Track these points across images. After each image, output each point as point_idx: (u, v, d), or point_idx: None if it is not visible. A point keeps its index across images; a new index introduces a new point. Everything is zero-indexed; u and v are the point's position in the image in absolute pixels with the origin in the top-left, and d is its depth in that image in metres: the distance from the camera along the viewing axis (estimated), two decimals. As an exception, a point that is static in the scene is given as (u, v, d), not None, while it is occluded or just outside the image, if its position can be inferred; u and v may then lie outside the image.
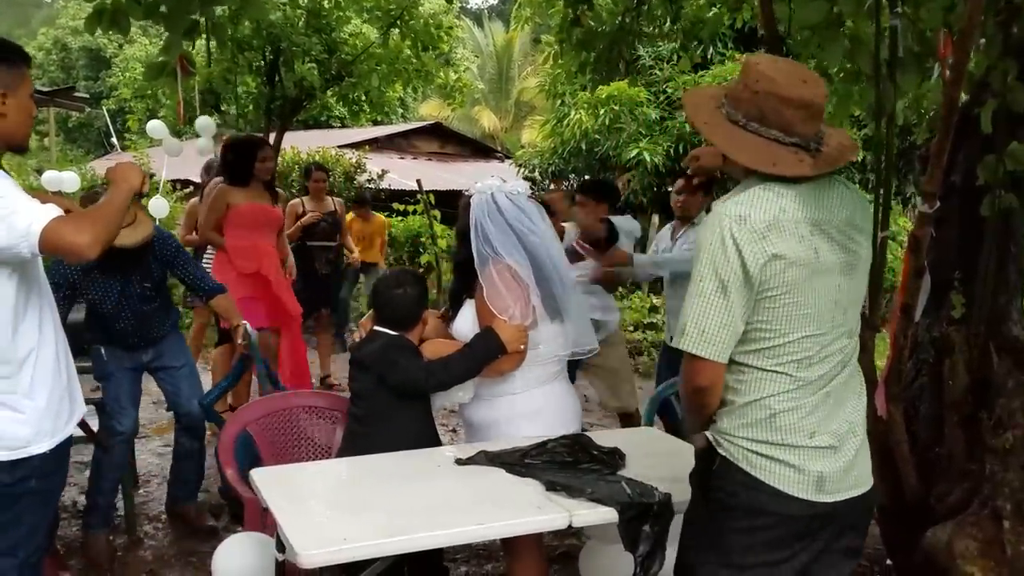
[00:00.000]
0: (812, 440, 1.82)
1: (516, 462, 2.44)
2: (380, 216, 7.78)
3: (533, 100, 22.75)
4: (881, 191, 2.94)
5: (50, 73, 27.67)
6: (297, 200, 6.75)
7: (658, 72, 11.03)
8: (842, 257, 1.84)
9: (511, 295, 2.62)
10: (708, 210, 3.73)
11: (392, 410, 2.68)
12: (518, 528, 2.19)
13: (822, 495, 1.82)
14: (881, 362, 3.34)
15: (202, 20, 3.76)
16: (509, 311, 2.60)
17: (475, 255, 2.67)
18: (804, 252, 1.78)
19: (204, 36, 4.11)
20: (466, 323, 2.74)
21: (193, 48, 4.57)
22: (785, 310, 1.79)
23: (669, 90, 10.65)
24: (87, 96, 13.38)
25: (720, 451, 1.87)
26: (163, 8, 3.55)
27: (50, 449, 2.19)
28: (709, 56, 10.68)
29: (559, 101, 11.71)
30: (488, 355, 2.60)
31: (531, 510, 2.18)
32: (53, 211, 2.02)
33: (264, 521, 2.64)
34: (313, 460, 3.02)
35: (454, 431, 5.14)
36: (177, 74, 4.02)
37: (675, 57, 10.60)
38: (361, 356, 2.74)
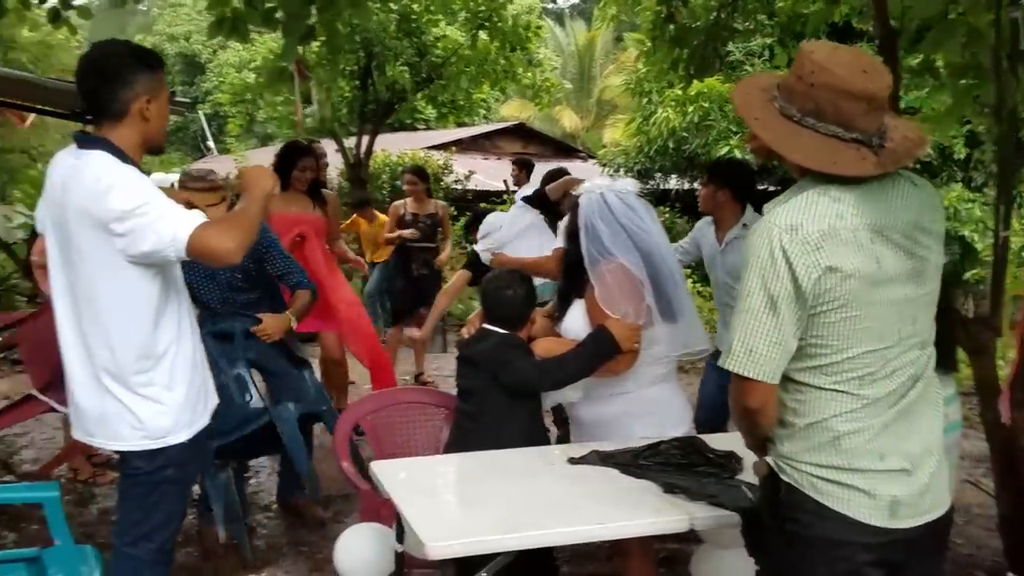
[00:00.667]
0: (883, 463, 1.69)
1: (630, 463, 2.45)
2: (384, 217, 7.88)
3: (615, 99, 22.59)
4: (999, 189, 2.84)
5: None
6: (400, 202, 6.90)
7: (749, 68, 10.84)
8: (908, 264, 1.68)
9: (624, 294, 2.62)
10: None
11: (503, 408, 2.71)
12: (639, 529, 2.19)
13: (897, 521, 1.69)
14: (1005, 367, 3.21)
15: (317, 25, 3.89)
16: (622, 310, 2.61)
17: (585, 255, 2.68)
18: (864, 262, 1.63)
19: (308, 45, 4.25)
20: (576, 322, 2.76)
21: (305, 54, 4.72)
22: (843, 324, 1.65)
23: (761, 87, 10.42)
24: (185, 101, 13.91)
25: (784, 477, 1.75)
26: (279, 15, 3.69)
27: (188, 439, 2.30)
28: (802, 52, 10.42)
29: (645, 99, 11.63)
30: (602, 355, 2.61)
31: (649, 512, 2.18)
32: (198, 217, 2.13)
33: (379, 512, 2.72)
34: (420, 455, 3.09)
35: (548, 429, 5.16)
36: (294, 78, 4.16)
37: (766, 52, 10.40)
38: (472, 354, 2.78)
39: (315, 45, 7.92)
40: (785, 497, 1.74)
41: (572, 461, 2.53)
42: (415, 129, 17.43)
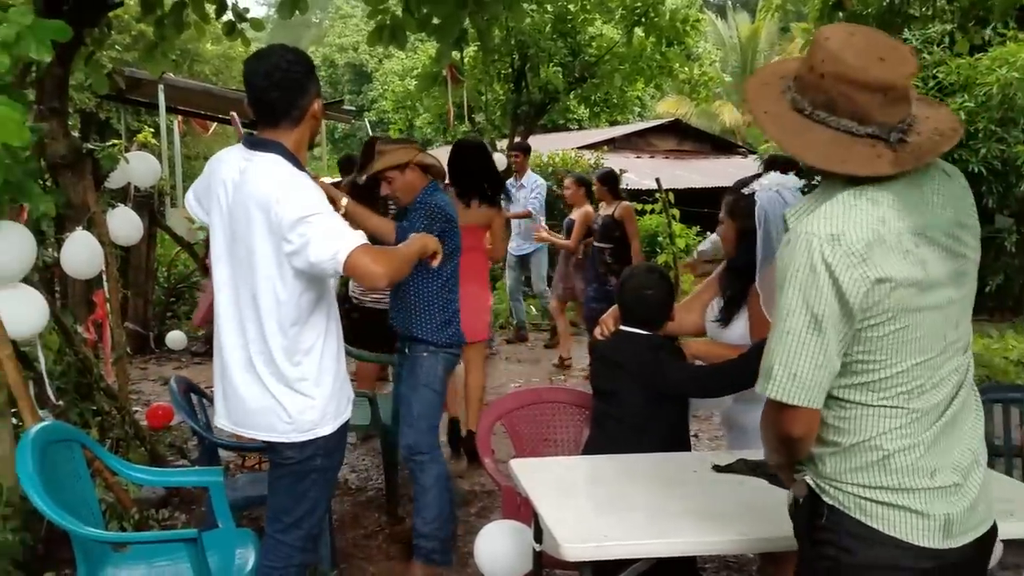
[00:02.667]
0: (934, 480, 1.54)
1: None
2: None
3: (779, 93, 21.65)
4: None
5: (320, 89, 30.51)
6: (591, 208, 6.98)
7: (927, 56, 10.06)
8: (951, 265, 1.53)
9: None
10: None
11: (648, 412, 2.64)
12: (788, 543, 2.07)
13: (950, 540, 1.54)
14: None
15: (470, 29, 3.96)
16: None
17: (760, 254, 2.55)
18: (911, 270, 1.48)
19: (460, 48, 4.32)
20: (739, 332, 2.67)
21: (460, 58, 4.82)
22: (892, 338, 1.50)
23: (940, 75, 9.68)
24: (352, 109, 14.63)
25: (826, 499, 1.60)
26: (435, 20, 3.78)
27: (333, 430, 2.40)
28: (987, 37, 9.58)
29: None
30: None
31: (798, 524, 2.07)
32: (360, 237, 2.22)
33: (519, 510, 2.73)
34: (559, 455, 3.07)
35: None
36: (448, 82, 4.25)
37: (946, 40, 9.63)
38: (615, 355, 2.73)
39: (471, 49, 8.13)
40: (827, 521, 1.59)
41: (717, 469, 2.44)
42: (567, 129, 17.48)
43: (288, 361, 2.30)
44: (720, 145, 19.85)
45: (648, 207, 10.91)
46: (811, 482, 1.64)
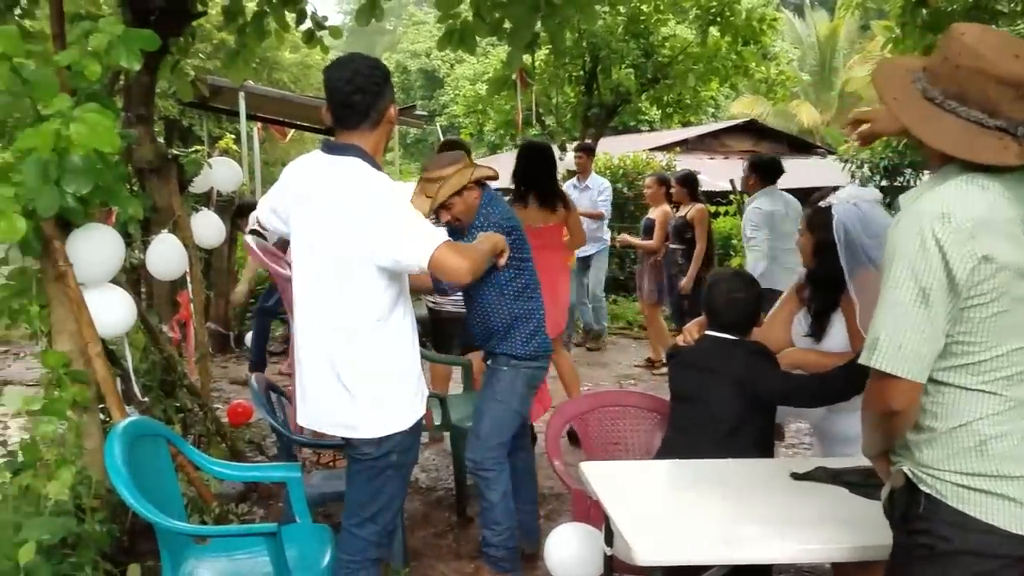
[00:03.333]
0: None
1: (861, 483, 2.26)
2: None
3: (860, 90, 21.10)
4: None
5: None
6: (669, 208, 6.95)
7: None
8: None
9: None
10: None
11: (740, 418, 2.59)
12: (871, 553, 2.01)
13: None
14: None
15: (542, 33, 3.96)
16: None
17: (845, 268, 2.50)
18: (1016, 254, 1.54)
19: (531, 51, 4.32)
20: (836, 343, 2.60)
21: (532, 62, 4.83)
22: (993, 320, 1.55)
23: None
24: (424, 114, 14.81)
25: (924, 488, 1.63)
26: (506, 24, 3.79)
27: (410, 427, 2.43)
28: (1082, 30, 9.11)
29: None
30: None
31: (882, 534, 2.00)
32: (443, 234, 2.30)
33: (590, 513, 2.71)
34: (629, 459, 3.04)
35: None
36: (517, 86, 4.26)
37: (1038, 33, 9.20)
38: (707, 361, 2.66)
39: (542, 53, 8.13)
40: (925, 510, 1.63)
41: (796, 476, 2.38)
42: (638, 131, 17.32)
43: (368, 359, 2.35)
44: (798, 145, 19.40)
45: (722, 209, 10.74)
46: (908, 472, 1.66)
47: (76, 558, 2.28)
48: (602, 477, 2.43)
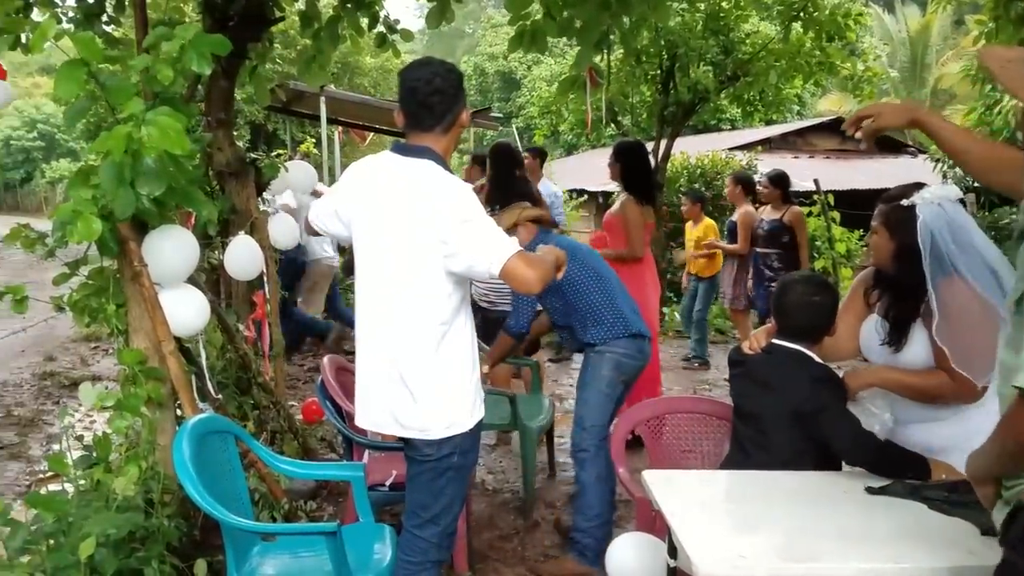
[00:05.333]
0: None
1: (940, 498, 2.13)
2: (711, 221, 7.51)
3: (954, 87, 20.19)
4: None
5: (469, 96, 31.10)
6: (754, 209, 6.80)
7: None
8: None
9: (968, 323, 2.25)
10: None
11: (796, 443, 2.47)
12: (943, 572, 1.89)
13: None
14: None
15: (611, 31, 3.91)
16: (968, 360, 2.27)
17: (928, 276, 2.34)
18: None
19: (606, 51, 4.27)
20: (919, 354, 2.44)
21: (602, 61, 4.78)
22: None
23: None
24: (500, 115, 14.87)
25: None
26: (576, 23, 3.74)
27: (470, 428, 2.43)
28: None
29: (988, 86, 10.17)
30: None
31: (962, 553, 1.88)
32: (515, 244, 2.30)
33: (654, 522, 2.64)
34: (697, 468, 2.95)
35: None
36: (586, 86, 4.22)
37: None
38: (766, 375, 2.54)
39: (618, 51, 8.03)
40: None
41: (871, 491, 2.25)
42: (718, 130, 16.96)
43: (431, 360, 2.35)
44: (887, 144, 18.62)
45: (806, 209, 10.40)
46: None
47: (144, 552, 2.33)
48: (665, 486, 2.36)
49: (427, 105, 2.36)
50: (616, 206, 5.00)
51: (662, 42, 8.93)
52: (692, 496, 2.33)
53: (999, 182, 1.82)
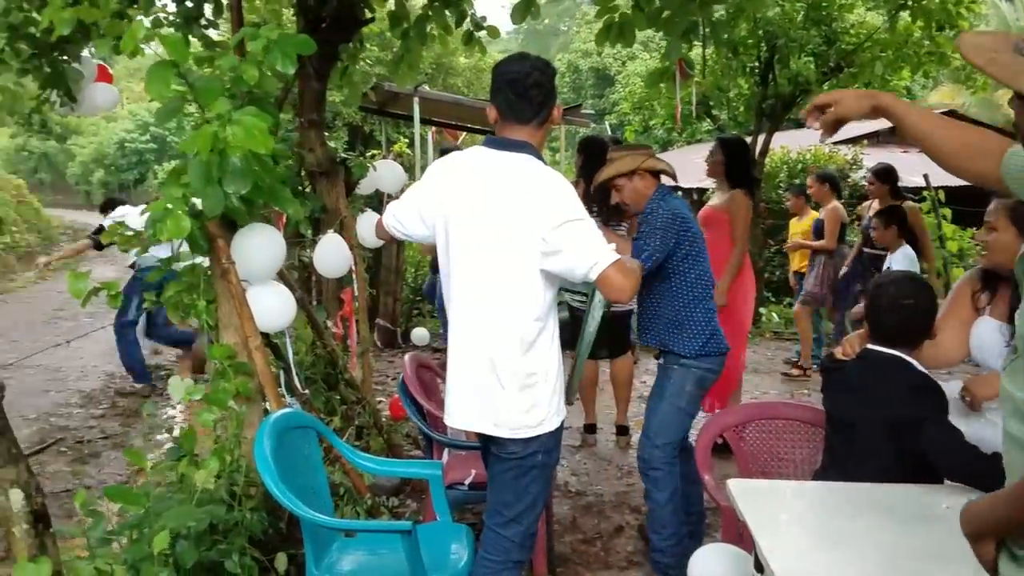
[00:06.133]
0: None
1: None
2: (815, 214, 7.16)
3: (1079, 76, 18.85)
4: None
5: (563, 94, 31.13)
6: (839, 204, 6.58)
7: None
8: None
9: None
10: None
11: (893, 456, 2.32)
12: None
13: None
14: None
15: (702, 22, 3.79)
16: None
17: None
18: None
19: (701, 43, 4.14)
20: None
21: (691, 51, 4.64)
22: None
23: None
24: (592, 112, 14.72)
25: None
26: (665, 13, 3.64)
27: (555, 428, 2.40)
28: None
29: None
30: None
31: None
32: (615, 252, 2.26)
33: (740, 533, 2.52)
34: (790, 477, 2.82)
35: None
36: (676, 78, 4.11)
37: None
38: (860, 381, 2.40)
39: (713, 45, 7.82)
40: None
41: (976, 508, 2.08)
42: (821, 124, 16.28)
43: (523, 358, 2.32)
44: (1005, 136, 17.56)
45: (917, 207, 9.90)
46: None
47: (226, 545, 2.38)
48: (752, 497, 2.25)
49: (526, 97, 2.35)
50: (721, 199, 4.79)
51: (760, 33, 8.65)
52: (780, 508, 2.21)
53: (972, 170, 1.62)
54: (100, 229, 6.36)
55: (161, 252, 6.49)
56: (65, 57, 4.36)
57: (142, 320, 6.36)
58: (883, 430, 2.32)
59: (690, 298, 3.22)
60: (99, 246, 6.43)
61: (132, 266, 6.21)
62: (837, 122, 1.87)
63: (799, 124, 15.26)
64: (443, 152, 6.74)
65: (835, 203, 6.56)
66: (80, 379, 6.93)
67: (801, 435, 2.98)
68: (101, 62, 4.86)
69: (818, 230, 6.73)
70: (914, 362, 2.39)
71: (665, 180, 3.39)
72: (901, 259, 5.20)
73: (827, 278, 6.59)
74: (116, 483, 4.37)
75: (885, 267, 5.40)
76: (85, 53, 4.50)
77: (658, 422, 3.22)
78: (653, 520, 3.21)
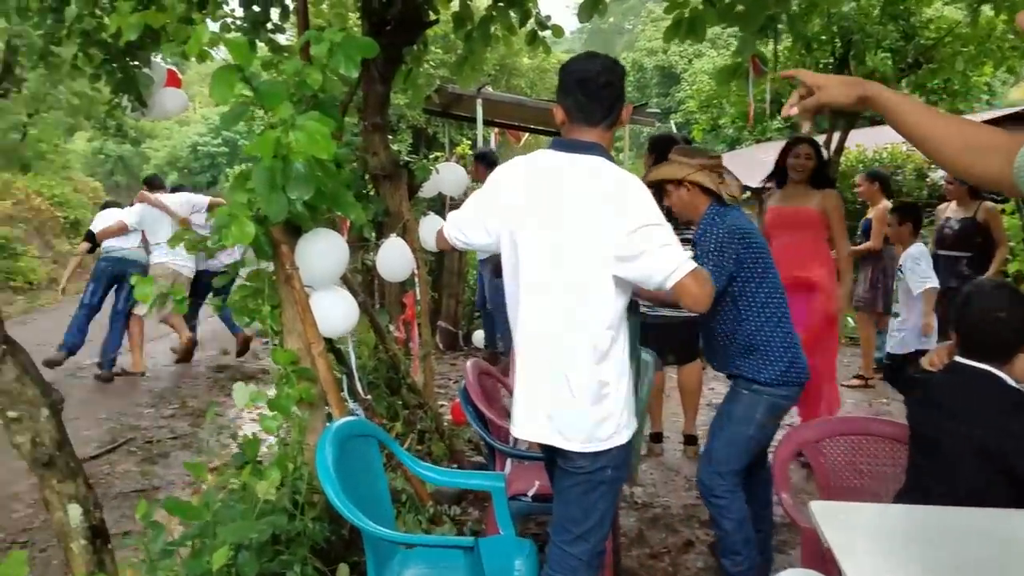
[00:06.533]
0: None
1: None
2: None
3: None
4: None
5: (628, 93, 30.70)
6: (889, 204, 6.28)
7: None
8: None
9: None
10: None
11: (984, 481, 2.16)
12: None
13: None
14: None
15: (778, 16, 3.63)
16: None
17: None
18: None
19: (773, 39, 3.99)
20: None
21: (766, 48, 4.48)
22: None
23: None
24: (657, 111, 14.52)
25: None
26: (738, 8, 3.50)
27: (625, 441, 2.29)
28: None
29: None
30: None
31: None
32: (691, 261, 2.16)
33: (823, 558, 2.38)
34: (873, 499, 2.66)
35: None
36: (749, 75, 3.96)
37: None
38: (949, 398, 2.24)
39: (786, 40, 7.59)
40: None
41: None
42: (898, 122, 15.76)
43: (596, 368, 2.23)
44: (1094, 132, 16.72)
45: (998, 208, 9.46)
46: None
47: (288, 555, 2.34)
48: (837, 520, 2.11)
49: (597, 98, 2.27)
50: (800, 199, 4.49)
51: (835, 28, 8.38)
52: (869, 533, 2.07)
53: (978, 171, 1.42)
54: (90, 234, 7.36)
55: (120, 243, 7.15)
56: (136, 62, 4.43)
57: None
58: (972, 450, 2.16)
59: (761, 320, 2.96)
60: (92, 248, 7.34)
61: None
62: (818, 108, 1.71)
63: (875, 121, 14.79)
64: (479, 158, 6.69)
65: (885, 203, 6.28)
66: (151, 380, 7.08)
67: (884, 453, 2.82)
68: (171, 67, 4.94)
69: (866, 231, 6.45)
70: (1007, 377, 2.23)
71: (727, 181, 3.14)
72: (916, 255, 5.13)
73: (875, 280, 6.32)
74: (183, 484, 4.42)
75: (899, 264, 5.24)
76: (155, 58, 4.58)
77: (721, 448, 3.00)
78: (724, 547, 3.00)
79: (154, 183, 7.61)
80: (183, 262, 7.07)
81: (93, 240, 7.25)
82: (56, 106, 14.85)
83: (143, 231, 7.14)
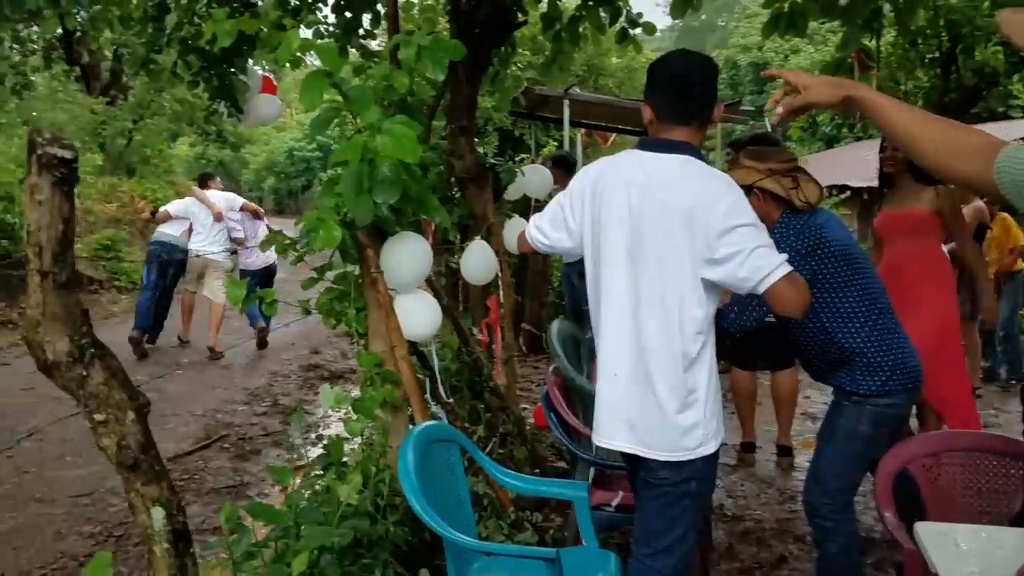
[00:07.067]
0: None
1: None
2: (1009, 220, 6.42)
3: None
4: None
5: (720, 91, 30.09)
6: (983, 205, 5.95)
7: None
8: None
9: None
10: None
11: None
12: None
13: None
14: None
15: (884, 9, 3.46)
16: None
17: None
18: None
19: (876, 33, 3.80)
20: None
21: (870, 43, 4.28)
22: None
23: None
24: (751, 109, 14.13)
25: None
26: (842, 1, 3.35)
27: (712, 452, 2.20)
28: None
29: None
30: None
31: None
32: (786, 264, 2.06)
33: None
34: (986, 522, 2.48)
35: None
36: (854, 70, 3.78)
37: None
38: None
39: (888, 34, 7.27)
40: None
41: None
42: (1008, 118, 14.91)
43: (685, 375, 2.15)
44: None
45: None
46: None
47: (369, 559, 2.34)
48: (943, 542, 1.99)
49: (690, 96, 2.20)
50: (911, 200, 4.08)
51: (941, 21, 7.97)
52: (979, 559, 1.93)
53: (958, 172, 1.43)
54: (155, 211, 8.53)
55: (167, 228, 7.98)
56: (232, 69, 4.55)
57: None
58: None
59: (851, 330, 2.74)
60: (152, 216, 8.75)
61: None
62: (802, 109, 1.73)
63: (984, 118, 14.05)
64: (556, 161, 6.60)
65: (977, 202, 5.88)
66: (246, 377, 7.30)
67: (999, 471, 2.63)
68: (267, 74, 5.07)
69: None
70: None
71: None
72: None
73: (964, 284, 5.92)
74: (272, 481, 4.52)
75: None
76: (251, 65, 4.70)
77: (827, 464, 2.80)
78: (823, 570, 2.82)
79: (206, 179, 8.55)
80: (216, 249, 7.96)
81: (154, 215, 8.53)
82: (159, 112, 15.55)
83: (190, 221, 7.97)
